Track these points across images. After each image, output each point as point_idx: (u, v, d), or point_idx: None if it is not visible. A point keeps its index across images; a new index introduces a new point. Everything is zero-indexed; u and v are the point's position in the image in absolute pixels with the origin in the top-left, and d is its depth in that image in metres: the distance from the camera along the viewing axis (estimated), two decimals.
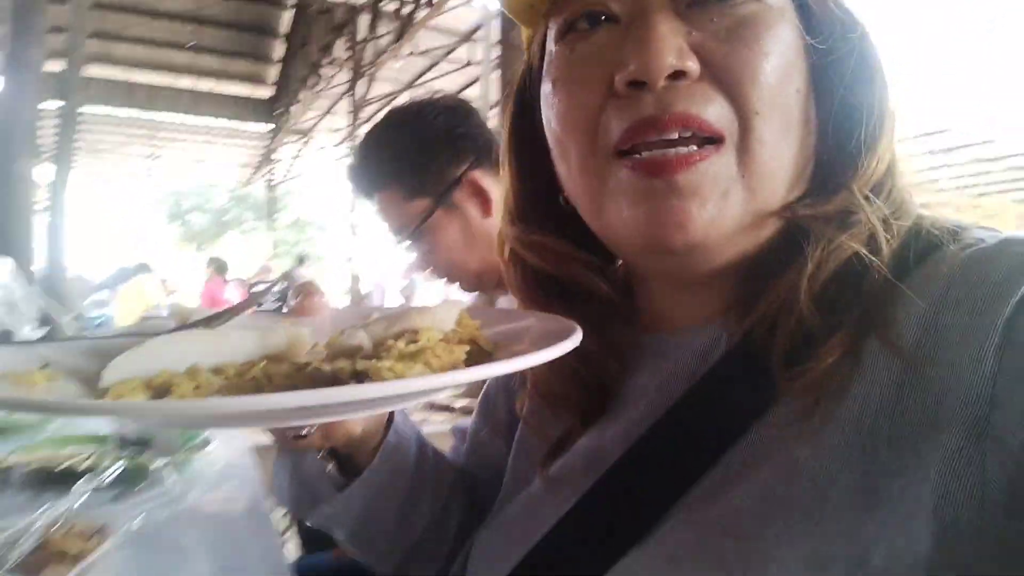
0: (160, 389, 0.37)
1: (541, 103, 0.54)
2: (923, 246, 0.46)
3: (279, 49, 13.45)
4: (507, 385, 0.75)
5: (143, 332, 0.47)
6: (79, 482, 1.02)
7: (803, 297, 0.45)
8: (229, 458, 1.30)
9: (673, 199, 0.46)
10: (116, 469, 1.09)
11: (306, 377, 0.41)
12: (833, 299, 0.45)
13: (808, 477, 0.42)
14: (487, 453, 0.75)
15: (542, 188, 0.58)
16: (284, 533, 1.69)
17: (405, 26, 8.63)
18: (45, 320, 2.79)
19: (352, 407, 0.40)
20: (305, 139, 14.86)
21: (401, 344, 0.40)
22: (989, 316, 0.40)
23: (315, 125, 13.99)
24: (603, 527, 0.49)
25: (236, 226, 28.86)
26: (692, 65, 0.45)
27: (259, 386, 0.40)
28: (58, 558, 0.86)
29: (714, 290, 0.52)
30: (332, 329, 0.47)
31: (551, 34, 0.53)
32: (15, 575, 0.81)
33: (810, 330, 0.44)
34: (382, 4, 9.82)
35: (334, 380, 0.39)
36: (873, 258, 0.44)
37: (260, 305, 0.54)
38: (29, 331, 2.82)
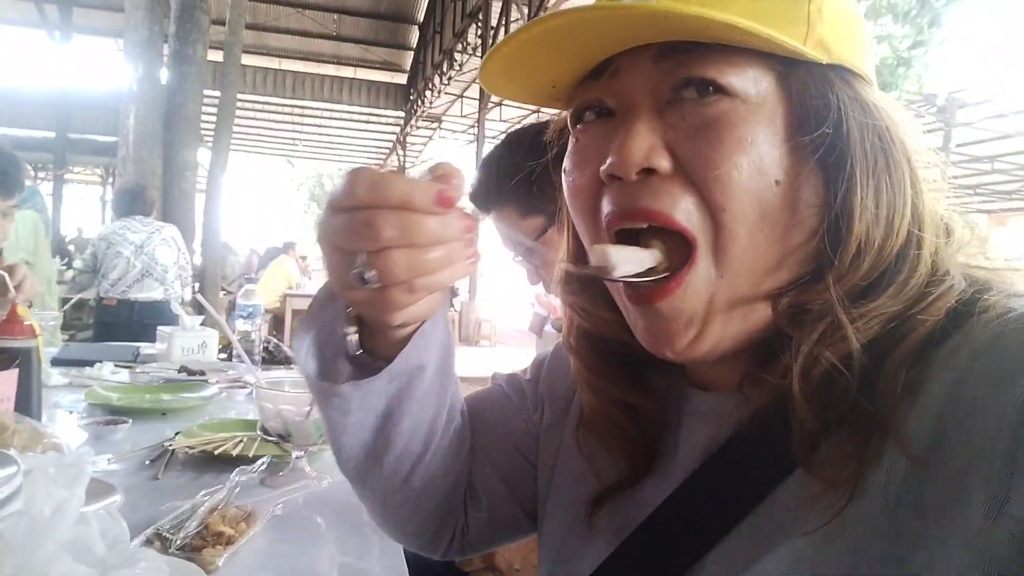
0: None
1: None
2: (951, 321, 0.44)
3: (415, 37, 13.90)
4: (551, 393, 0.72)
5: None
6: (235, 471, 1.12)
7: (797, 395, 0.45)
8: None
9: (660, 321, 0.50)
10: (264, 462, 1.19)
11: None
12: (831, 398, 0.44)
13: (839, 545, 0.43)
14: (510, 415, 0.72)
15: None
16: None
17: (536, 12, 8.64)
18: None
19: None
20: (436, 124, 15.31)
21: None
22: (1000, 402, 0.39)
23: (446, 110, 14.38)
24: (637, 572, 0.53)
25: None
26: (663, 163, 0.47)
27: None
28: (214, 540, 0.93)
29: (734, 362, 0.52)
30: None
31: (569, 121, 0.56)
32: (179, 554, 0.88)
33: (813, 422, 0.45)
34: None
35: None
36: (845, 372, 0.44)
37: None
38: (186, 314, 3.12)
